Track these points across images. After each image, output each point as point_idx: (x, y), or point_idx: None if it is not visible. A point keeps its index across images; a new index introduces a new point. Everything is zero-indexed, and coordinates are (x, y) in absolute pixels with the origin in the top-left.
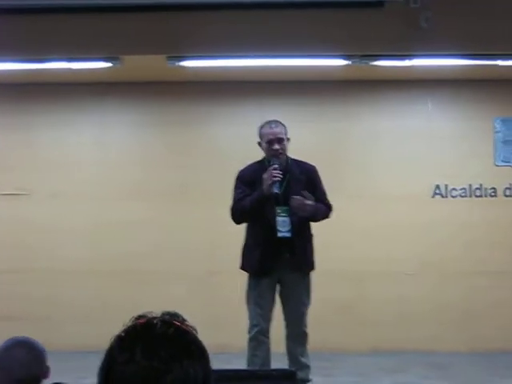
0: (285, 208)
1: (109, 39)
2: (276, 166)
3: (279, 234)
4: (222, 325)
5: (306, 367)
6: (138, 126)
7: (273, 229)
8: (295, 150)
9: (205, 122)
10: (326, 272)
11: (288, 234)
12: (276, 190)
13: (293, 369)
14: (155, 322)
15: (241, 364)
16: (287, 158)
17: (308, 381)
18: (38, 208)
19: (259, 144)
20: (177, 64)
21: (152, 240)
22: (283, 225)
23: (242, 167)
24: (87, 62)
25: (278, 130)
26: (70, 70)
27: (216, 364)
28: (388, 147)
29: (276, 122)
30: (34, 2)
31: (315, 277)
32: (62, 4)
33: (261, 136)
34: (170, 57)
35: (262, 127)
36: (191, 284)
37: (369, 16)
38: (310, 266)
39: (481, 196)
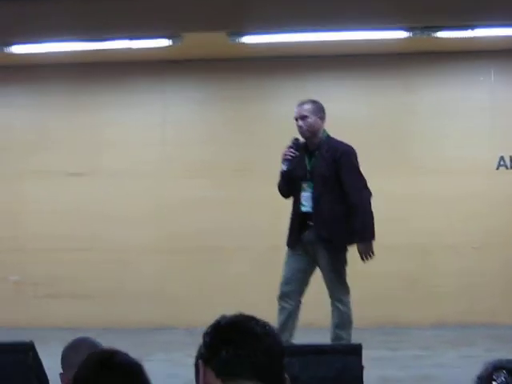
0: (310, 183)
1: (169, 17)
2: (292, 144)
3: (302, 209)
4: None
5: (340, 340)
6: (200, 103)
7: (299, 203)
8: (356, 124)
9: (267, 98)
10: (391, 246)
11: (310, 209)
12: (284, 168)
13: (359, 343)
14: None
15: (304, 339)
16: (324, 136)
17: None
18: (102, 187)
19: None
20: (238, 40)
21: (216, 217)
22: (307, 199)
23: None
24: (148, 40)
25: (302, 107)
26: (130, 49)
27: None
28: (450, 119)
29: (308, 101)
30: None
31: (379, 251)
32: None
33: None
34: (231, 33)
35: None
36: (256, 260)
37: None
38: (335, 239)
39: None
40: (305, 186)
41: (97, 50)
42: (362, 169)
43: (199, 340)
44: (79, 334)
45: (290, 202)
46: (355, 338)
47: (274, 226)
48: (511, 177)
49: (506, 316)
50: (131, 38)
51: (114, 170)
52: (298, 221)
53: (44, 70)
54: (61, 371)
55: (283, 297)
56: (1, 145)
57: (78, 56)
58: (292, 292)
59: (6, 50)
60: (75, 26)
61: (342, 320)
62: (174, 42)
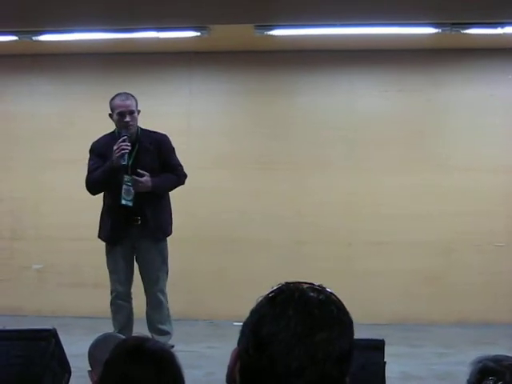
0: (131, 177)
1: (197, 8)
2: (125, 137)
3: (122, 202)
4: None
5: (166, 333)
6: (226, 95)
7: (119, 197)
8: (383, 119)
9: (292, 91)
10: (413, 243)
11: (130, 203)
12: (123, 162)
13: (382, 339)
14: (305, 286)
15: None
16: (138, 129)
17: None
18: None
19: (110, 116)
20: (264, 33)
21: (238, 208)
22: (128, 193)
23: (96, 138)
24: (175, 31)
25: (128, 102)
26: (157, 39)
27: None
28: (478, 116)
29: (127, 94)
30: None
31: (403, 248)
32: None
33: (112, 108)
34: (257, 26)
35: (112, 99)
36: (278, 252)
37: None
38: (162, 232)
39: None
40: (126, 179)
41: (124, 40)
42: (389, 164)
43: (220, 332)
44: (101, 323)
45: (316, 195)
46: (376, 334)
47: (296, 218)
48: None
49: None
50: (159, 29)
51: None
52: (122, 215)
53: (70, 59)
54: (89, 368)
55: (120, 297)
56: (24, 133)
57: (104, 45)
58: (127, 290)
59: (33, 39)
60: (102, 15)
61: (166, 315)
62: (201, 33)
